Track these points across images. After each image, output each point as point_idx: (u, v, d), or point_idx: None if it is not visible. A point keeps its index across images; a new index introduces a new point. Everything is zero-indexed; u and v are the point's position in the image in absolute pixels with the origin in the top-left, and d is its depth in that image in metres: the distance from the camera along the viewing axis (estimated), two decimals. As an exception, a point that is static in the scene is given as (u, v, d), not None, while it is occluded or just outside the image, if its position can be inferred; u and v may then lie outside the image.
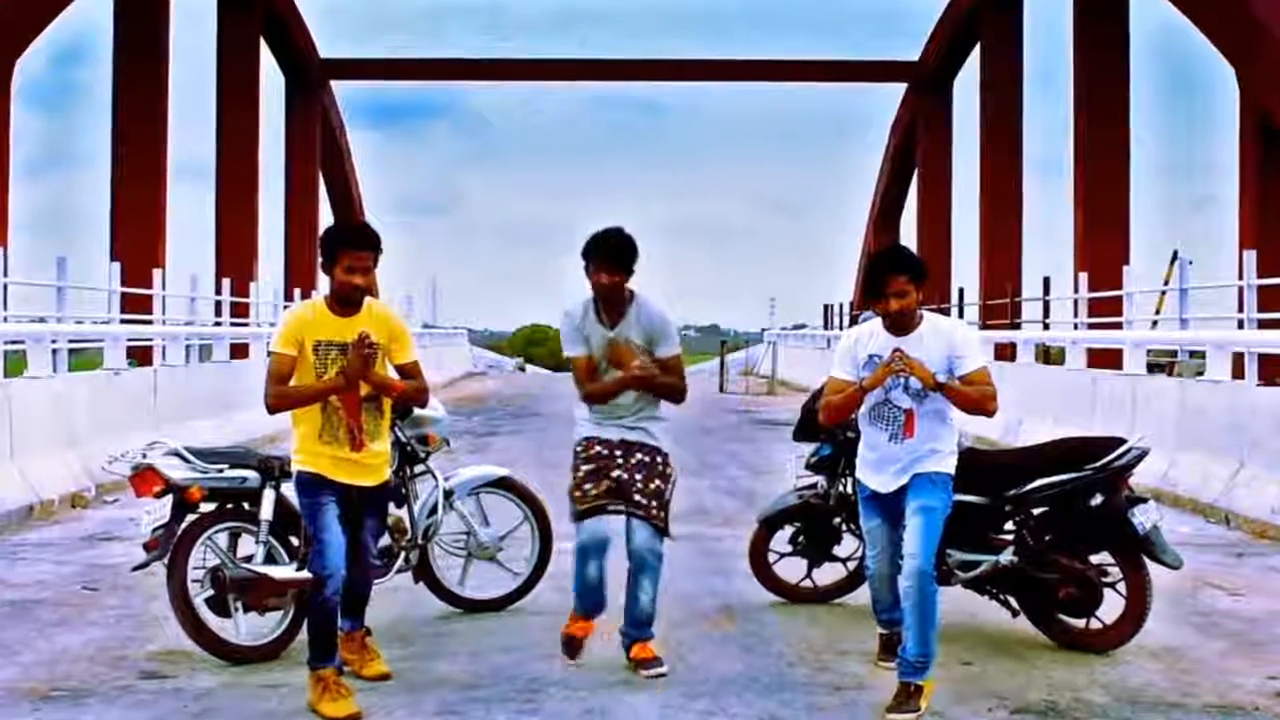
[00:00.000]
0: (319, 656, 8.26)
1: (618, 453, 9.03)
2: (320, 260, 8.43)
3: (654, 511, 8.96)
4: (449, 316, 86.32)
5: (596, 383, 9.08)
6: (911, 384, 8.43)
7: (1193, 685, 8.91)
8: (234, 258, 44.13)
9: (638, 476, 8.99)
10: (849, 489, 10.40)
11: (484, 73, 60.13)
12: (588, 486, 8.97)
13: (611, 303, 9.03)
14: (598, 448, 9.06)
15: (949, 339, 8.52)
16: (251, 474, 9.44)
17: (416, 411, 10.08)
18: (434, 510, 10.54)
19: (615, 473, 8.99)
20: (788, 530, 11.37)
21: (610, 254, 8.91)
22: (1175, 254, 29.38)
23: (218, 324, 31.98)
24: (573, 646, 9.19)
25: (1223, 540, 14.98)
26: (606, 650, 9.61)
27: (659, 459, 9.10)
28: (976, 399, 8.43)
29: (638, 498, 8.94)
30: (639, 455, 9.05)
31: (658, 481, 9.04)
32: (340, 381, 8.27)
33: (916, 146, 56.62)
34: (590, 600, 9.14)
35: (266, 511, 9.34)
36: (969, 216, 49.60)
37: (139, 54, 39.48)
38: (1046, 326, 33.53)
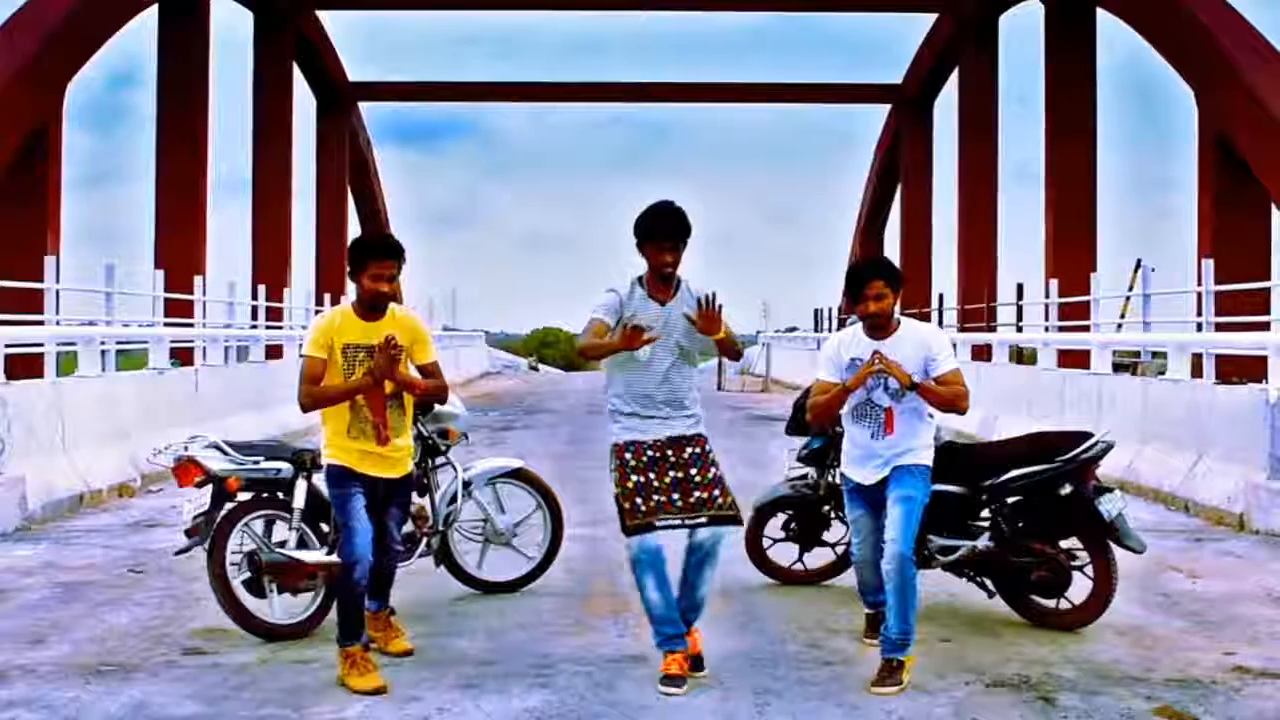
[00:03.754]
0: (347, 634, 8.28)
1: (669, 453, 8.39)
2: (348, 268, 8.44)
3: (720, 501, 8.39)
4: (467, 320, 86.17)
5: (597, 341, 8.27)
6: (890, 384, 8.47)
7: (1155, 661, 8.91)
8: (269, 266, 44.11)
9: (693, 471, 8.38)
10: (837, 479, 10.40)
11: (502, 94, 60.07)
12: (638, 501, 8.28)
13: (666, 280, 8.46)
14: (648, 453, 8.37)
15: (925, 342, 8.56)
16: (285, 465, 9.44)
17: (437, 408, 10.09)
18: (453, 499, 10.55)
19: (669, 475, 8.35)
20: (780, 518, 11.39)
21: (673, 231, 8.34)
22: (1139, 262, 29.44)
23: (254, 327, 31.99)
24: (678, 682, 8.17)
25: (1183, 527, 14.97)
26: (614, 628, 9.63)
27: (707, 446, 8.51)
28: (950, 398, 8.46)
29: (701, 493, 8.34)
30: (689, 449, 8.43)
31: (714, 469, 8.45)
32: (367, 381, 8.29)
33: (899, 162, 56.62)
34: (670, 628, 8.35)
35: (299, 500, 9.36)
36: (948, 227, 49.65)
37: (181, 77, 39.51)
38: (1020, 329, 33.52)
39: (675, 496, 8.35)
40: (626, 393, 8.46)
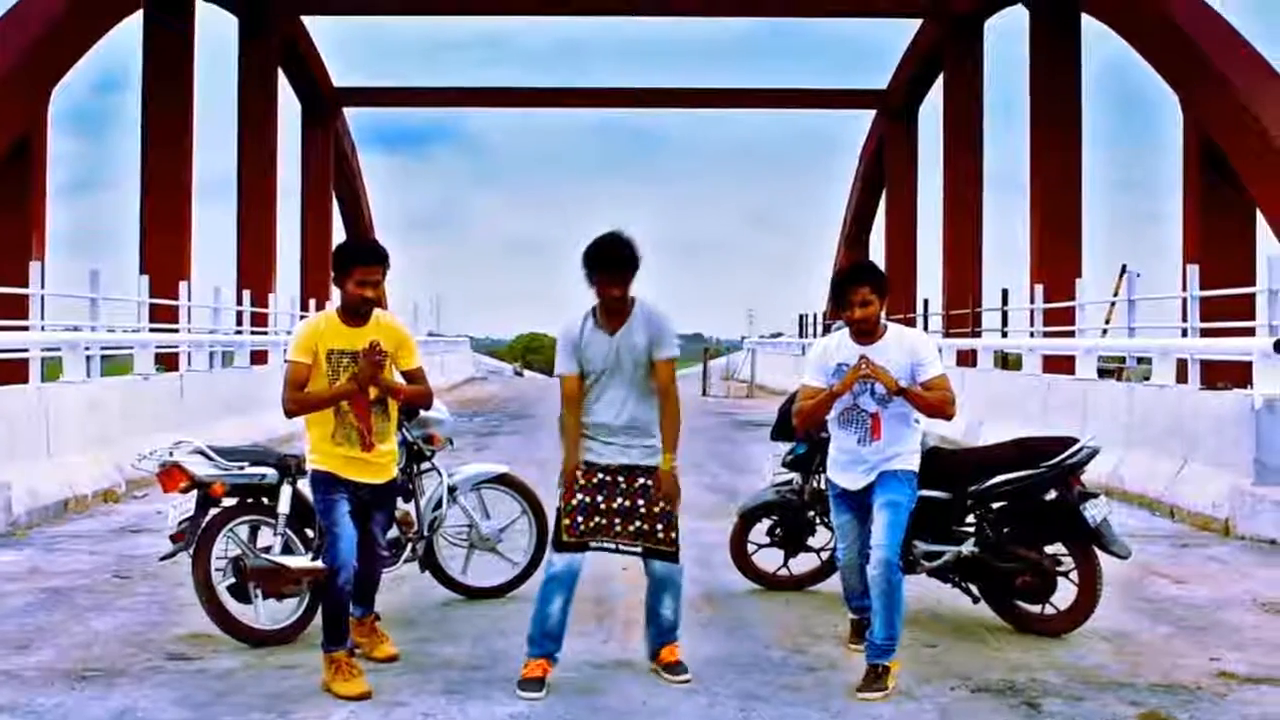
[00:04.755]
0: (332, 640, 8.27)
1: (620, 479, 8.34)
2: (333, 274, 8.44)
3: (659, 536, 8.33)
4: (452, 325, 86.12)
5: (573, 416, 8.40)
6: (877, 389, 8.47)
7: (1140, 666, 8.93)
8: (253, 271, 44.06)
9: (640, 502, 8.31)
10: (822, 485, 10.41)
11: (487, 100, 60.03)
12: (579, 519, 8.30)
13: (616, 311, 8.38)
14: (599, 475, 8.34)
15: (912, 348, 8.57)
16: (270, 471, 9.44)
17: (422, 413, 10.09)
18: (438, 505, 10.55)
19: (617, 501, 8.31)
20: (765, 523, 11.39)
21: (616, 267, 8.23)
22: (1124, 268, 29.41)
23: (239, 332, 31.94)
24: (537, 685, 8.17)
25: (1168, 532, 15.00)
26: (599, 634, 9.63)
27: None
28: (936, 403, 8.47)
29: (643, 525, 8.31)
30: (641, 479, 8.33)
31: (663, 503, 8.34)
32: (352, 387, 8.29)
33: (884, 167, 56.70)
34: (550, 644, 8.35)
35: (284, 506, 9.36)
36: (933, 232, 49.67)
37: (166, 83, 39.49)
38: (1005, 335, 33.55)
39: (617, 521, 8.35)
40: (584, 419, 8.46)
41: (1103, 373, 24.30)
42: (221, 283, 31.80)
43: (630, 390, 8.37)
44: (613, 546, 8.41)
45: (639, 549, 8.42)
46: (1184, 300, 21.57)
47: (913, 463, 8.61)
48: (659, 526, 8.37)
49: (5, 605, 10.74)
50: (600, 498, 8.35)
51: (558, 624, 8.35)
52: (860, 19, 50.14)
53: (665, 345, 8.38)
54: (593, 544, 8.37)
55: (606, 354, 8.34)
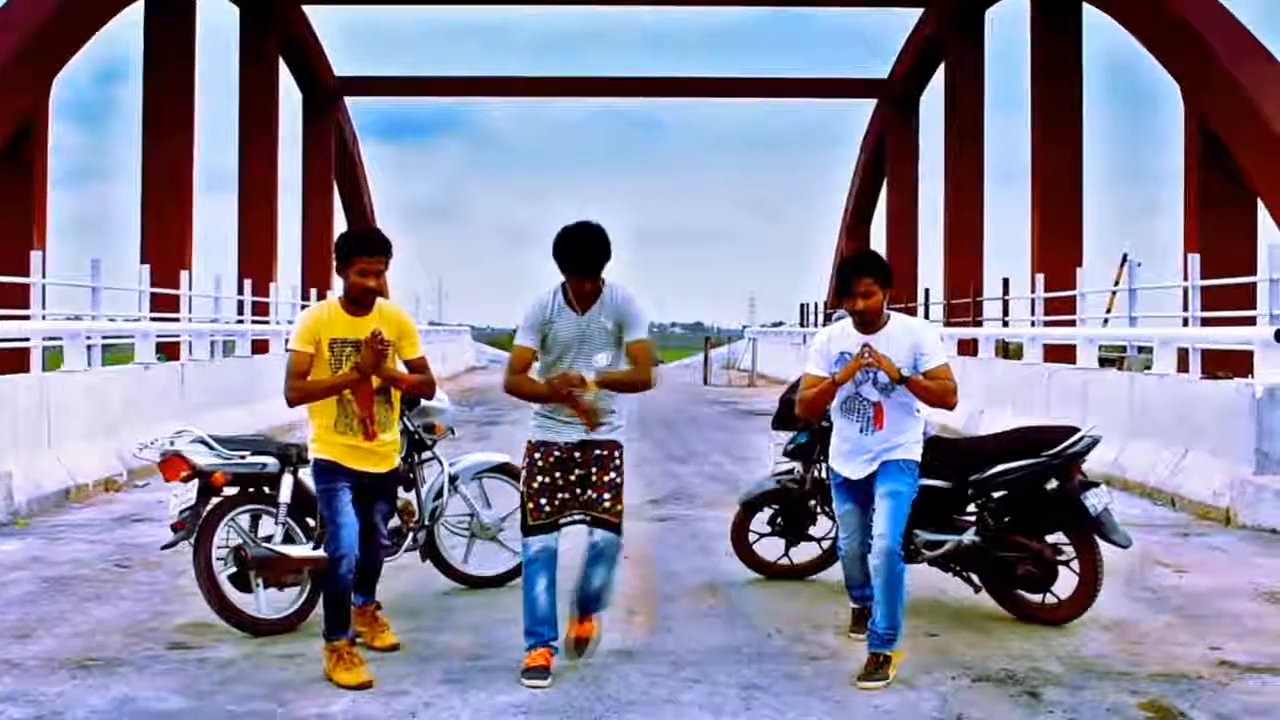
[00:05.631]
0: (334, 629, 8.27)
1: (577, 454, 8.35)
2: (335, 263, 8.42)
3: (605, 505, 8.31)
4: (453, 314, 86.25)
5: (523, 378, 8.32)
6: (880, 378, 8.46)
7: (1141, 656, 8.92)
8: (255, 260, 44.12)
9: (593, 469, 8.32)
10: (823, 474, 10.40)
11: (488, 89, 59.95)
12: (543, 501, 8.33)
13: (585, 294, 8.32)
14: (556, 454, 8.36)
15: (915, 337, 8.55)
16: (271, 460, 9.44)
17: (424, 403, 10.10)
18: (440, 494, 10.54)
19: (574, 473, 8.34)
20: (767, 512, 11.38)
21: (582, 265, 8.20)
22: (1125, 257, 29.44)
23: (240, 322, 31.96)
24: (542, 674, 8.19)
25: (1169, 521, 15.00)
26: (601, 623, 9.63)
27: (615, 453, 8.40)
28: (938, 393, 8.46)
29: (591, 493, 8.32)
30: (596, 450, 8.34)
31: (611, 474, 8.34)
32: (354, 376, 8.28)
33: (886, 156, 56.70)
34: (545, 630, 8.35)
35: (285, 495, 9.36)
36: (934, 221, 49.68)
37: (167, 72, 39.48)
38: (1006, 324, 33.60)
39: (578, 491, 8.37)
40: (546, 405, 8.45)
41: (1103, 362, 24.32)
42: (222, 272, 31.83)
43: (592, 371, 8.30)
44: (582, 517, 8.41)
45: (586, 518, 8.41)
46: (1185, 289, 21.58)
47: (915, 452, 8.59)
48: (606, 496, 8.35)
49: (6, 594, 10.74)
50: (559, 474, 8.36)
51: (547, 607, 8.34)
52: (862, 9, 50.10)
53: (635, 328, 8.34)
54: (562, 521, 8.40)
55: (572, 334, 8.33)
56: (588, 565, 8.47)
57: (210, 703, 7.78)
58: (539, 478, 8.37)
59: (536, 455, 8.42)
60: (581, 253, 8.22)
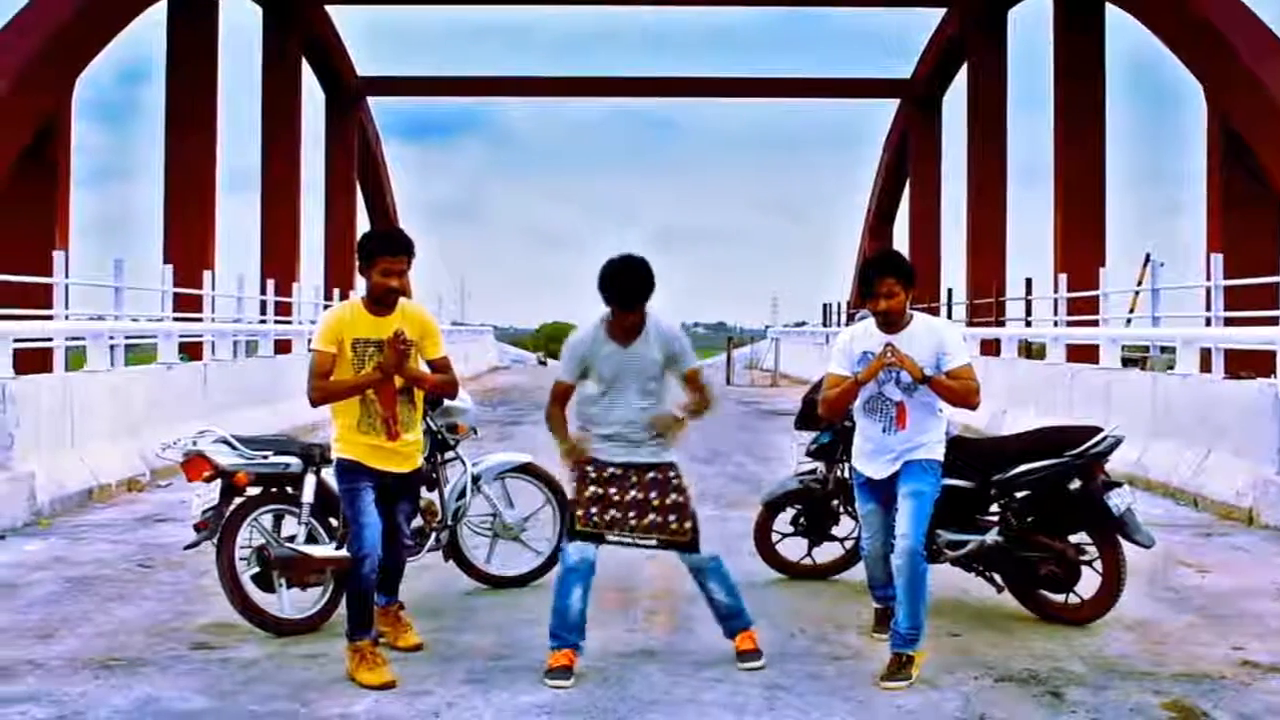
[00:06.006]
0: (357, 629, 8.28)
1: (632, 475, 8.43)
2: (358, 263, 8.44)
3: (673, 527, 8.41)
4: (476, 314, 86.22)
5: (558, 417, 8.64)
6: (903, 378, 8.45)
7: (1164, 656, 8.90)
8: (277, 260, 44.20)
9: (652, 494, 8.41)
10: (846, 474, 10.39)
11: (510, 89, 60.02)
12: (593, 510, 8.41)
13: (628, 327, 8.44)
14: (609, 470, 8.44)
15: (938, 337, 8.55)
16: (294, 460, 9.45)
17: (447, 403, 10.12)
18: (462, 494, 10.56)
19: (630, 494, 8.41)
20: (789, 512, 11.38)
21: (627, 299, 8.31)
22: (1148, 257, 29.32)
23: (263, 322, 32.05)
24: (565, 674, 8.19)
25: (1191, 521, 14.96)
26: (624, 622, 9.63)
27: (671, 474, 8.47)
28: (961, 392, 8.45)
29: (654, 517, 8.38)
30: (650, 474, 8.43)
31: (674, 495, 8.43)
32: (377, 376, 8.29)
33: (908, 156, 56.68)
34: (572, 636, 8.34)
35: (308, 495, 9.37)
36: (957, 221, 49.66)
37: (190, 72, 39.66)
38: (1029, 324, 33.53)
39: (631, 515, 8.42)
40: (590, 424, 8.61)
41: (1126, 362, 24.25)
42: (245, 272, 31.90)
43: (641, 400, 8.46)
44: (630, 540, 8.48)
45: (654, 541, 8.48)
46: (1208, 289, 21.52)
47: (937, 452, 8.58)
48: (671, 518, 8.42)
49: (30, 594, 10.77)
50: (613, 489, 8.43)
51: (578, 615, 8.35)
52: (884, 9, 50.05)
53: (687, 359, 8.52)
54: (610, 537, 8.44)
55: (619, 366, 8.44)
56: (701, 589, 8.68)
57: (233, 703, 7.79)
58: (591, 488, 8.45)
59: (589, 468, 8.49)
60: (627, 287, 8.32)
